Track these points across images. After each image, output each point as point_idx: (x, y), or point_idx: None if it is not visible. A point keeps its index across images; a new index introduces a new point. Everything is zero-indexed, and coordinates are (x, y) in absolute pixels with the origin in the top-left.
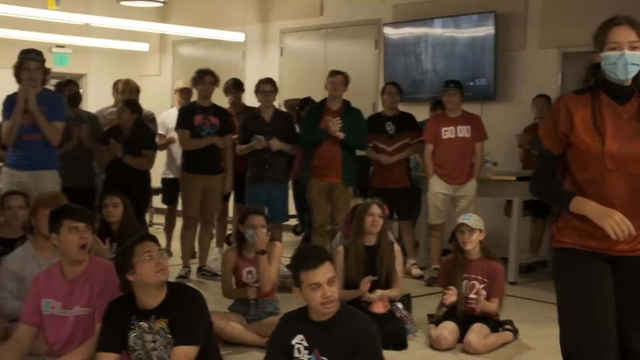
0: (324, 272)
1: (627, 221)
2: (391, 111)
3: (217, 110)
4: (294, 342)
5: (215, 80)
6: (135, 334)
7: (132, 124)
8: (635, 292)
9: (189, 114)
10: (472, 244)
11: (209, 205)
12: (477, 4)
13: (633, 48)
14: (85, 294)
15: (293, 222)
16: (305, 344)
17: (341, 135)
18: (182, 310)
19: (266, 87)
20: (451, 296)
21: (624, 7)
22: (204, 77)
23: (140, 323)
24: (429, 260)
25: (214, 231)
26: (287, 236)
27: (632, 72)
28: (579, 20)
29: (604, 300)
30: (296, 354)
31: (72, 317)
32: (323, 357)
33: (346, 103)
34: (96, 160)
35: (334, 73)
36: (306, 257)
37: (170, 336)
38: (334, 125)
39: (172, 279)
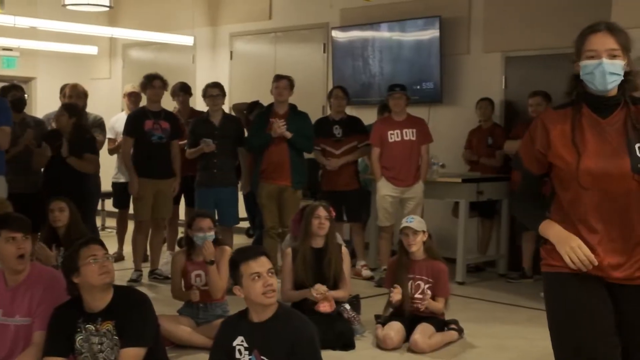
0: (263, 263)
1: (585, 249)
2: (338, 115)
3: (167, 114)
4: (234, 343)
5: (164, 85)
6: (81, 337)
7: (70, 128)
8: (637, 324)
9: (139, 120)
10: (416, 245)
11: (160, 209)
12: (422, 8)
13: (612, 56)
14: (26, 303)
15: (246, 224)
16: (246, 344)
17: (288, 134)
18: (129, 312)
19: (213, 91)
20: (396, 294)
21: (565, 13)
22: (153, 82)
23: (87, 326)
24: (378, 261)
25: (166, 235)
26: (240, 239)
27: (612, 83)
28: (521, 25)
29: (600, 314)
30: (237, 355)
31: (13, 326)
32: (263, 357)
33: (292, 107)
34: (32, 163)
35: (278, 78)
36: (245, 251)
37: (117, 338)
38: (278, 127)
39: (123, 282)
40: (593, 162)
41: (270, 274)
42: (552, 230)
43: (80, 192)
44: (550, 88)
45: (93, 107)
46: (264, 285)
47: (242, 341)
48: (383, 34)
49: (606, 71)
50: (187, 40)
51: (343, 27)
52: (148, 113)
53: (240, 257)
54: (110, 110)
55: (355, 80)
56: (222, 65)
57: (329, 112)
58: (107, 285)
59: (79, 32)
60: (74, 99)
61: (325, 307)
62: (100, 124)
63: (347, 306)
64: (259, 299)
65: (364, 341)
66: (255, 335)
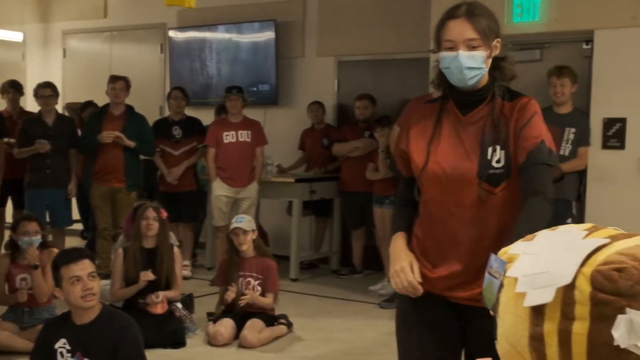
0: (83, 267)
1: (407, 274)
2: (178, 115)
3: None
4: (57, 346)
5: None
6: None
7: None
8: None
9: None
10: (246, 244)
11: None
12: (258, 12)
13: (471, 47)
14: None
15: (80, 226)
16: (68, 347)
17: (131, 143)
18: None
19: (45, 91)
20: (231, 293)
21: (394, 20)
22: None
23: None
24: (215, 260)
25: None
26: (75, 241)
27: (472, 79)
28: (353, 30)
29: (423, 342)
30: (59, 358)
31: None
32: (86, 359)
33: (129, 108)
34: None
35: (114, 79)
36: (66, 254)
37: None
38: (107, 137)
39: None
40: (438, 166)
41: (91, 278)
42: (392, 245)
43: None
44: (380, 92)
45: None
46: (83, 289)
47: (65, 343)
48: (220, 35)
49: (463, 66)
50: (15, 36)
51: (180, 28)
52: None
53: (61, 260)
54: None
55: (193, 81)
56: (55, 64)
57: (167, 112)
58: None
59: None
60: None
61: (157, 309)
62: None
63: (179, 305)
64: (77, 302)
65: (196, 339)
66: (78, 338)
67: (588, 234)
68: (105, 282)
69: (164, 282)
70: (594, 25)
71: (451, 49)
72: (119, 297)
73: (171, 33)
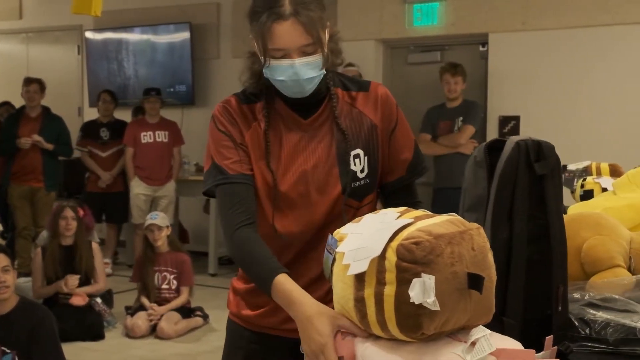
0: None
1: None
2: (106, 118)
3: None
4: None
5: None
6: None
7: None
8: None
9: None
10: (161, 240)
11: None
12: (173, 14)
13: (307, 54)
14: None
15: None
16: None
17: (49, 146)
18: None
19: None
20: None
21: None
22: None
23: None
24: (135, 257)
25: None
26: None
27: (311, 88)
28: None
29: None
30: None
31: None
32: (3, 348)
33: (46, 110)
34: None
35: (28, 81)
36: None
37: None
38: (25, 144)
39: None
40: (290, 185)
41: (4, 271)
42: (286, 296)
43: None
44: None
45: None
46: None
47: None
48: (137, 37)
49: (302, 77)
50: None
51: (97, 30)
52: None
53: None
54: None
55: (111, 82)
56: None
57: (85, 113)
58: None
59: None
60: None
61: (78, 301)
62: None
63: (99, 300)
64: None
65: (115, 332)
66: None
67: (400, 216)
68: (26, 280)
69: (84, 277)
70: (488, 29)
71: (283, 57)
72: (40, 295)
73: (88, 34)
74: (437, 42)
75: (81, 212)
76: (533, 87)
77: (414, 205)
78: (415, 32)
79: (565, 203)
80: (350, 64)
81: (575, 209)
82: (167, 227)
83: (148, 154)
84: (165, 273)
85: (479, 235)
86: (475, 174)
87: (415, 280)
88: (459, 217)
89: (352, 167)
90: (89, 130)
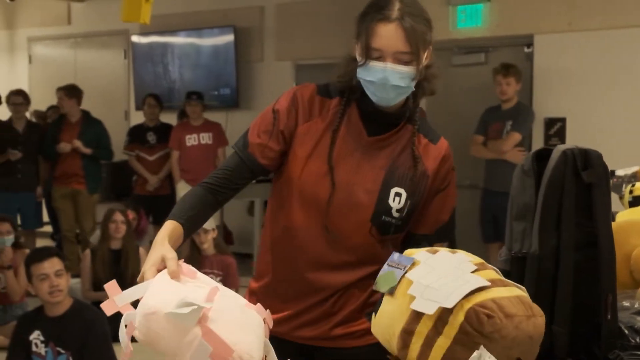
0: (51, 265)
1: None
2: (152, 122)
3: None
4: (31, 337)
5: None
6: None
7: None
8: None
9: None
10: (207, 243)
11: None
12: (218, 18)
13: (402, 62)
14: None
15: (50, 228)
16: (42, 338)
17: (88, 150)
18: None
19: (17, 99)
20: None
21: (352, 23)
22: None
23: None
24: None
25: None
26: (46, 242)
27: (397, 98)
28: (309, 35)
29: None
30: (34, 349)
31: None
32: (58, 349)
33: (85, 114)
34: None
35: (59, 90)
36: (36, 253)
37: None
38: (65, 147)
39: None
40: (330, 186)
41: (57, 275)
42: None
43: None
44: None
45: None
46: (50, 286)
47: (39, 335)
48: (181, 40)
49: (389, 83)
50: None
51: (143, 34)
52: None
53: (31, 259)
54: None
55: (156, 85)
56: (21, 70)
57: (132, 117)
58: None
59: None
60: None
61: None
62: None
63: None
64: (45, 297)
65: None
66: (51, 329)
67: (476, 270)
68: (75, 281)
69: (130, 281)
70: (534, 30)
71: (378, 58)
72: (89, 298)
73: (134, 39)
74: (481, 44)
75: (131, 216)
76: (579, 88)
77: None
78: (459, 33)
79: (613, 209)
80: None
81: (624, 216)
82: (213, 229)
83: (193, 156)
84: (211, 275)
85: (541, 325)
86: (523, 183)
87: (477, 351)
88: (527, 296)
89: (390, 202)
90: (136, 134)
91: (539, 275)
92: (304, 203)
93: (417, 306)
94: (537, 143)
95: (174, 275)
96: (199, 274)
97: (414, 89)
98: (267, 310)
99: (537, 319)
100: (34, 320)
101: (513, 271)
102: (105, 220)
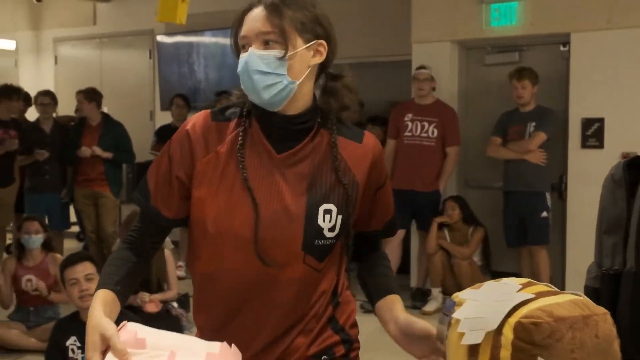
0: (82, 269)
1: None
2: (180, 122)
3: (17, 124)
4: (68, 343)
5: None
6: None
7: None
8: None
9: None
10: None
11: (1, 217)
12: None
13: (265, 44)
14: None
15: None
16: (79, 344)
17: (108, 155)
18: None
19: (45, 99)
20: None
21: (377, 23)
22: (12, 96)
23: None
24: None
25: None
26: (72, 243)
27: (268, 90)
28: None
29: None
30: (71, 354)
31: None
32: None
33: (106, 117)
34: None
35: (78, 93)
36: (68, 258)
37: None
38: (85, 152)
39: None
40: (247, 224)
41: (88, 280)
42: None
43: None
44: (363, 95)
45: None
46: (80, 290)
47: (75, 341)
48: (207, 40)
49: (251, 68)
50: (8, 44)
51: (168, 34)
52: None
53: (63, 264)
54: None
55: (182, 85)
56: (47, 70)
57: (157, 117)
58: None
59: None
60: None
61: (152, 308)
62: None
63: (175, 304)
64: (76, 302)
65: (192, 335)
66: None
67: (521, 288)
68: None
69: (155, 283)
70: (570, 28)
71: (244, 47)
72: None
73: (159, 38)
74: (515, 43)
75: None
76: (618, 87)
77: (379, 258)
78: (493, 32)
79: None
80: (421, 67)
81: None
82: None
83: None
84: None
85: (605, 322)
86: (614, 194)
87: None
88: (585, 299)
89: (320, 222)
90: (164, 134)
91: (635, 294)
92: (225, 243)
93: (467, 340)
94: (574, 144)
95: (122, 355)
96: (149, 339)
97: (292, 82)
98: (232, 345)
99: (598, 317)
100: (70, 326)
101: (604, 289)
102: (128, 223)
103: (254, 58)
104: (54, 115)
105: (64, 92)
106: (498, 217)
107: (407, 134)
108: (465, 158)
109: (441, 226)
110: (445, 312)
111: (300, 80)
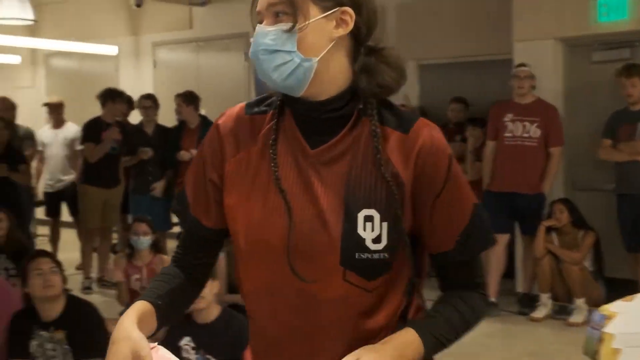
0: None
1: None
2: None
3: (122, 126)
4: (181, 343)
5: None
6: (36, 342)
7: (5, 141)
8: None
9: (96, 129)
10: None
11: (108, 217)
12: None
13: (275, 17)
14: None
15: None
16: (193, 344)
17: None
18: (80, 324)
19: (146, 102)
20: None
21: (476, 22)
22: (116, 99)
23: (41, 332)
24: None
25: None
26: (174, 243)
27: (278, 70)
28: (432, 34)
29: None
30: (184, 355)
31: None
32: (208, 356)
33: (203, 119)
34: None
35: (177, 96)
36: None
37: (67, 347)
38: (184, 156)
39: (77, 291)
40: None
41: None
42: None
43: (14, 202)
44: (470, 94)
45: (18, 117)
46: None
47: (189, 341)
48: None
49: (259, 48)
50: (110, 50)
51: None
52: (103, 124)
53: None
54: (33, 118)
55: None
56: (146, 75)
57: None
58: (51, 297)
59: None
60: (2, 112)
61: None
62: (31, 136)
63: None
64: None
65: None
66: (201, 336)
67: None
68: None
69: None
70: None
71: (260, 24)
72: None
73: None
74: (626, 39)
75: None
76: None
77: (466, 288)
78: (601, 28)
79: None
80: (522, 64)
81: None
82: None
83: None
84: None
85: None
86: None
87: None
88: None
89: (361, 232)
90: None
91: None
92: (259, 258)
93: (626, 358)
94: None
95: None
96: None
97: (310, 61)
98: None
99: None
100: (183, 326)
101: None
102: None
103: (262, 35)
104: (156, 118)
105: (162, 95)
106: (609, 221)
107: (507, 134)
108: (572, 159)
109: (549, 230)
110: (594, 325)
111: (321, 57)
